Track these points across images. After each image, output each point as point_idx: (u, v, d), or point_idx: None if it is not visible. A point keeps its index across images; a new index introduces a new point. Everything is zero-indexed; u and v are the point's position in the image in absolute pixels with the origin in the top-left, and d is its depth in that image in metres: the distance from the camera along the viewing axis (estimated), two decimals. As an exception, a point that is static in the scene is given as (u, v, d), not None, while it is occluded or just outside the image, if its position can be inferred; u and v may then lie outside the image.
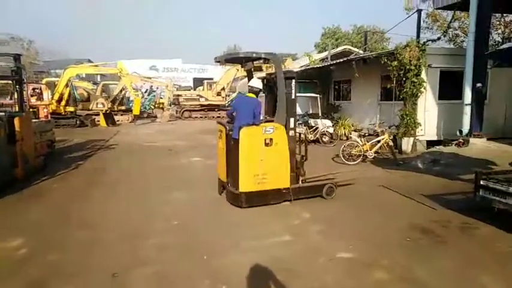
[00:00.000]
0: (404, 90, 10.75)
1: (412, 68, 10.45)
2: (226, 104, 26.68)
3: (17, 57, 7.78)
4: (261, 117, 6.04)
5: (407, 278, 3.56)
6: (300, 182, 6.13)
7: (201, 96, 26.22)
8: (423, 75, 10.66)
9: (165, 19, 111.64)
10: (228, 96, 27.61)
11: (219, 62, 6.38)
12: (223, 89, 25.99)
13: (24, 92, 8.27)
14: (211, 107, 25.95)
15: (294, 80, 5.84)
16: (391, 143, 9.61)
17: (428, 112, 10.98)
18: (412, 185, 7.13)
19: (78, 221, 5.20)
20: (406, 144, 10.73)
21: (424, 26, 21.81)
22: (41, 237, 4.60)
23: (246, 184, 5.60)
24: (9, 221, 5.22)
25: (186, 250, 4.21)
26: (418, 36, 11.34)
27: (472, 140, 9.72)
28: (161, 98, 24.46)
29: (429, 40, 11.15)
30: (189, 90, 30.54)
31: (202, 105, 25.95)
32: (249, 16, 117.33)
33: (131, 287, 3.42)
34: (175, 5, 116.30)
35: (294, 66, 22.86)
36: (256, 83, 6.21)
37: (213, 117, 25.24)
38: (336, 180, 6.58)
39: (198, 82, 38.61)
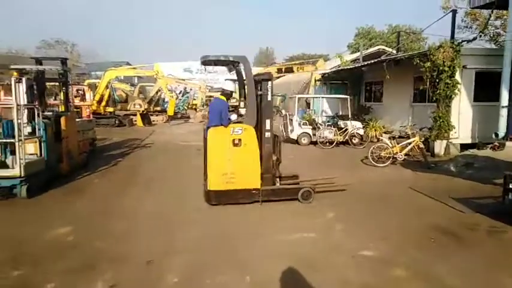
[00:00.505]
0: (438, 91, 10.55)
1: (446, 69, 10.25)
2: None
3: (63, 61, 8.43)
4: (233, 118, 6.05)
5: (427, 276, 3.64)
6: (278, 184, 6.18)
7: (233, 97, 26.65)
8: (457, 76, 10.42)
9: (199, 22, 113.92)
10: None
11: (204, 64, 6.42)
12: (254, 90, 26.27)
13: (69, 93, 8.96)
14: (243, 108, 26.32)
15: (270, 82, 5.87)
16: (422, 145, 9.47)
17: (462, 114, 10.71)
18: (442, 187, 7.06)
19: (117, 213, 5.65)
20: (439, 147, 10.53)
21: (462, 25, 21.09)
22: (85, 226, 5.05)
23: (214, 182, 5.75)
24: (57, 211, 5.74)
25: (215, 242, 4.50)
26: (452, 36, 11.06)
27: (508, 143, 9.40)
28: (194, 99, 25.17)
29: (464, 40, 10.90)
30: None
31: (232, 107, 26.33)
32: (282, 18, 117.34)
33: (164, 272, 3.74)
34: (208, 8, 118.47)
35: (325, 67, 22.78)
36: (227, 85, 6.39)
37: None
38: (318, 185, 6.47)
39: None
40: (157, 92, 22.96)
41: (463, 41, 10.68)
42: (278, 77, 32.16)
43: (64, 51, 46.19)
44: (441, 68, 10.27)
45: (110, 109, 20.75)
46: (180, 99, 25.33)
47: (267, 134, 5.92)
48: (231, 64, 6.38)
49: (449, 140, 10.62)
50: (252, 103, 5.88)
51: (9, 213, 5.62)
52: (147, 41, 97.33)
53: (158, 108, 23.84)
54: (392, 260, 3.98)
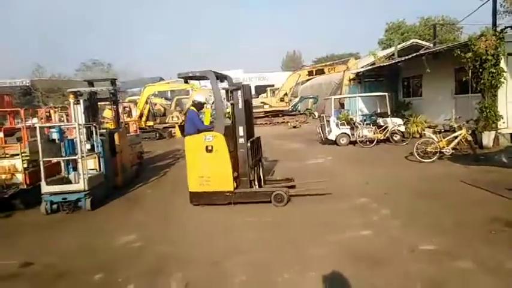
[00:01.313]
0: (482, 81, 10.22)
1: (490, 58, 9.91)
2: (290, 109, 27.08)
3: (113, 81, 9.01)
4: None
5: (493, 267, 3.60)
6: (256, 187, 6.46)
7: (265, 103, 26.92)
8: (502, 64, 10.03)
9: (226, 32, 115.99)
10: (291, 101, 27.97)
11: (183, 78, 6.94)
12: (285, 94, 26.40)
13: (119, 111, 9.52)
14: (275, 113, 26.51)
15: (239, 91, 6.30)
16: (469, 138, 9.16)
17: (511, 103, 10.25)
18: (494, 179, 6.85)
19: (174, 220, 5.97)
20: (487, 138, 10.14)
21: (501, 11, 20.19)
22: (148, 233, 5.39)
23: (193, 185, 6.34)
24: (120, 221, 6.14)
25: (275, 242, 4.66)
26: (494, 24, 10.66)
27: None
28: (227, 107, 25.65)
29: (508, 27, 10.45)
30: (253, 98, 31.47)
31: (266, 112, 26.61)
32: (308, 20, 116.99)
33: (231, 271, 3.95)
34: (235, 17, 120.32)
35: (357, 66, 22.53)
36: (198, 97, 7.15)
37: (278, 122, 25.80)
38: (310, 188, 6.61)
39: (259, 90, 39.66)
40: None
41: (506, 27, 10.26)
42: (307, 80, 32.24)
43: (101, 72, 48.74)
44: (484, 57, 9.94)
45: (150, 123, 21.63)
46: (214, 110, 25.86)
47: (241, 140, 6.36)
48: (205, 78, 6.82)
49: (498, 131, 10.20)
50: (219, 112, 6.58)
51: (79, 224, 6.08)
52: (177, 55, 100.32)
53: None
54: (456, 253, 3.96)
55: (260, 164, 7.06)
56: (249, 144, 6.36)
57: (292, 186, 6.96)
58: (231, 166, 6.25)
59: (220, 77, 6.85)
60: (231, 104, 6.45)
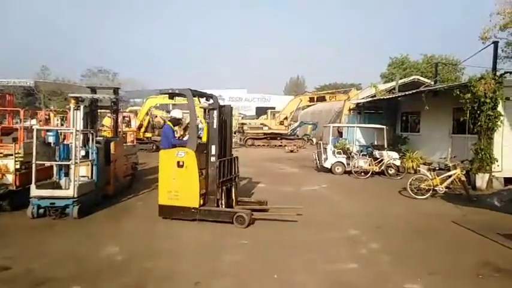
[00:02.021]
0: (479, 123, 10.33)
1: (488, 101, 10.07)
2: (288, 133, 27.23)
3: (115, 90, 9.07)
4: (185, 138, 7.11)
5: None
6: (222, 207, 6.54)
7: (265, 125, 27.08)
8: (500, 108, 10.18)
9: (230, 51, 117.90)
10: (290, 125, 28.16)
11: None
12: (286, 118, 26.61)
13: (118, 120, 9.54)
14: (273, 136, 26.62)
15: (215, 111, 6.51)
16: (463, 178, 9.20)
17: (505, 147, 10.35)
18: (486, 222, 6.83)
19: (162, 234, 5.91)
20: (481, 180, 10.18)
21: (503, 56, 20.67)
22: (134, 246, 5.31)
23: (162, 198, 6.48)
24: (106, 231, 6.05)
25: (257, 267, 4.59)
26: (494, 68, 10.91)
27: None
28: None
29: (507, 72, 10.68)
30: (253, 119, 31.70)
31: (265, 134, 26.74)
32: (314, 47, 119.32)
33: (213, 295, 3.87)
34: (242, 37, 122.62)
35: (358, 96, 22.83)
36: (175, 113, 7.52)
37: (275, 145, 25.88)
38: (283, 214, 6.82)
39: (260, 111, 40.00)
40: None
41: (506, 73, 10.48)
42: (308, 106, 32.57)
43: (106, 80, 49.17)
44: (482, 99, 10.10)
45: (149, 134, 21.64)
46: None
47: (212, 159, 6.50)
48: (183, 96, 6.92)
49: (492, 173, 10.25)
50: (193, 129, 6.73)
51: (64, 231, 5.98)
52: (180, 70, 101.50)
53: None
54: (440, 295, 3.91)
55: (234, 184, 7.12)
56: (217, 164, 6.44)
57: (264, 210, 7.03)
58: (201, 183, 6.39)
59: (203, 96, 7.11)
60: (207, 123, 6.60)
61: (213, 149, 6.52)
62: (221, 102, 7.19)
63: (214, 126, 6.53)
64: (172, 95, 7.07)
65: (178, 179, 6.37)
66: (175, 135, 7.35)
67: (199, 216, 6.32)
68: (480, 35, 16.67)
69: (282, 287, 4.09)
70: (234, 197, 7.09)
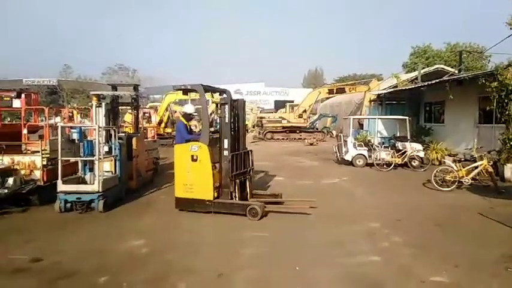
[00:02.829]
0: (507, 112, 9.95)
1: (516, 89, 9.65)
2: (308, 126, 27.02)
3: (135, 87, 9.22)
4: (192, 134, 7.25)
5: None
6: (236, 199, 6.55)
7: (283, 118, 26.93)
8: (529, 96, 9.75)
9: (250, 44, 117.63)
10: (309, 118, 27.91)
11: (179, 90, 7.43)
12: (304, 111, 26.39)
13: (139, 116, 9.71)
14: (292, 129, 26.45)
15: (227, 106, 6.54)
16: (490, 169, 8.89)
17: (536, 136, 9.92)
18: (515, 215, 6.58)
19: (185, 227, 6.02)
20: (510, 171, 9.80)
21: (531, 41, 19.72)
22: (157, 239, 5.42)
23: (178, 191, 6.65)
24: (130, 225, 6.19)
25: (276, 260, 4.60)
26: (522, 54, 10.45)
27: None
28: (247, 120, 25.81)
29: (536, 58, 10.21)
30: (272, 112, 31.61)
31: (284, 127, 26.60)
32: (333, 38, 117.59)
33: (234, 286, 3.90)
34: (259, 30, 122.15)
35: (379, 87, 22.36)
36: (187, 108, 7.55)
37: (295, 138, 25.72)
38: (295, 206, 6.84)
39: (279, 104, 39.80)
40: (211, 114, 23.86)
41: (535, 59, 10.03)
42: (327, 98, 32.18)
43: (126, 77, 49.99)
44: (510, 88, 9.70)
45: (168, 130, 21.94)
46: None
47: (225, 153, 6.57)
48: (195, 91, 7.01)
49: (522, 164, 9.85)
50: (205, 123, 6.83)
51: (90, 225, 6.16)
52: (199, 65, 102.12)
53: (212, 129, 24.71)
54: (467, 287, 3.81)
55: (248, 177, 7.15)
56: (230, 157, 6.50)
57: (279, 203, 7.04)
58: (215, 176, 6.49)
59: (215, 91, 7.18)
60: (219, 117, 6.63)
61: (226, 143, 6.59)
62: (239, 96, 7.24)
63: (226, 121, 6.60)
64: (185, 91, 7.22)
65: (192, 173, 6.52)
66: (193, 130, 7.44)
67: (214, 208, 6.44)
68: (508, 21, 15.94)
69: (304, 280, 4.08)
70: (248, 190, 7.12)
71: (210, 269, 4.30)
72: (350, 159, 12.85)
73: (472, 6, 75.99)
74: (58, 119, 12.90)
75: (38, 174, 7.13)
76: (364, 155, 12.77)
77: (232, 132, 6.75)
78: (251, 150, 7.42)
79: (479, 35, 61.47)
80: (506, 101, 9.92)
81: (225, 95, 6.93)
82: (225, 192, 6.57)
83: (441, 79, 13.50)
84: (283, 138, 26.21)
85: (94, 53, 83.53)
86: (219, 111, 6.73)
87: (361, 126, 18.20)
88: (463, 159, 10.57)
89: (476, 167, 8.93)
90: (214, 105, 22.46)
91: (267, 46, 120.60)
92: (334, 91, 26.27)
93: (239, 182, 6.80)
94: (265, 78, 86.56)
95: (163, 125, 21.57)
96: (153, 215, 6.81)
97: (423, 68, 24.04)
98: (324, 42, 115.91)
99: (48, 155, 7.27)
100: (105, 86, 12.06)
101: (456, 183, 8.76)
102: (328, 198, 7.76)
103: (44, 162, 7.16)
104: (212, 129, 26.91)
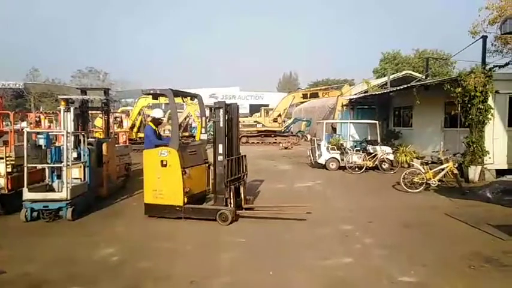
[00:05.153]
0: (470, 117, 10.42)
1: (478, 94, 10.15)
2: (282, 130, 27.25)
3: (106, 91, 9.01)
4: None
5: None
6: (230, 206, 6.43)
7: (258, 123, 27.06)
8: (490, 101, 10.28)
9: (223, 48, 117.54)
10: (284, 122, 28.18)
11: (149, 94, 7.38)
12: (279, 115, 26.62)
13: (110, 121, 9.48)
14: (267, 133, 26.62)
15: (221, 110, 6.46)
16: (456, 171, 9.29)
17: (497, 140, 10.48)
18: (478, 214, 6.90)
19: (157, 234, 5.89)
20: (473, 172, 10.28)
21: (492, 49, 20.83)
22: (128, 246, 5.29)
23: (148, 197, 6.60)
24: (100, 233, 6.01)
25: (251, 265, 4.61)
26: (483, 62, 11.01)
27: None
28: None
29: (496, 66, 10.80)
30: (247, 117, 31.66)
31: (259, 131, 26.72)
32: (307, 43, 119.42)
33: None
34: (233, 34, 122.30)
35: (351, 92, 22.91)
36: (155, 113, 7.49)
37: (270, 142, 25.89)
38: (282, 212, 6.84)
39: (254, 108, 39.95)
40: (185, 118, 23.64)
41: (495, 67, 10.59)
42: (302, 102, 32.63)
43: (96, 80, 48.72)
44: (473, 93, 10.18)
45: (141, 135, 21.46)
46: (208, 125, 25.90)
47: (220, 158, 6.47)
48: (164, 96, 7.02)
49: (484, 166, 10.37)
50: (175, 127, 6.87)
51: (58, 234, 5.94)
52: (176, 69, 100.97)
53: (186, 134, 24.43)
54: (434, 286, 3.95)
55: (242, 183, 7.08)
56: (225, 162, 6.41)
57: (249, 209, 7.04)
58: (185, 182, 6.41)
59: (186, 95, 7.27)
60: (213, 122, 6.57)
61: (220, 148, 6.48)
62: (215, 100, 7.19)
63: (221, 125, 6.49)
64: (154, 95, 7.13)
65: (162, 178, 6.44)
66: (161, 135, 7.33)
67: (184, 214, 6.38)
68: (470, 30, 16.82)
69: (278, 284, 4.10)
70: (242, 196, 7.04)
71: (183, 276, 4.25)
72: (323, 163, 13.06)
73: (440, 15, 79.34)
74: (24, 124, 12.37)
75: (2, 182, 6.80)
76: (337, 159, 13.03)
77: (226, 137, 6.61)
78: (245, 155, 7.32)
79: (446, 42, 64.41)
80: (469, 105, 10.40)
81: (196, 100, 6.90)
82: (220, 199, 6.44)
83: (409, 85, 13.99)
84: (258, 142, 26.31)
85: (64, 55, 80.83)
86: (212, 115, 6.60)
87: (334, 130, 18.55)
88: (430, 162, 11.02)
89: (442, 169, 9.30)
90: (189, 108, 22.42)
91: (241, 50, 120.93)
92: (308, 96, 26.70)
93: (233, 188, 6.66)
94: (240, 82, 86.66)
95: (135, 129, 21.10)
96: (124, 222, 6.65)
97: (392, 74, 24.88)
98: (298, 47, 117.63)
99: (13, 162, 6.94)
100: (74, 89, 11.71)
101: (424, 185, 9.09)
102: (302, 201, 7.84)
103: (9, 170, 6.84)
104: (187, 133, 26.53)
